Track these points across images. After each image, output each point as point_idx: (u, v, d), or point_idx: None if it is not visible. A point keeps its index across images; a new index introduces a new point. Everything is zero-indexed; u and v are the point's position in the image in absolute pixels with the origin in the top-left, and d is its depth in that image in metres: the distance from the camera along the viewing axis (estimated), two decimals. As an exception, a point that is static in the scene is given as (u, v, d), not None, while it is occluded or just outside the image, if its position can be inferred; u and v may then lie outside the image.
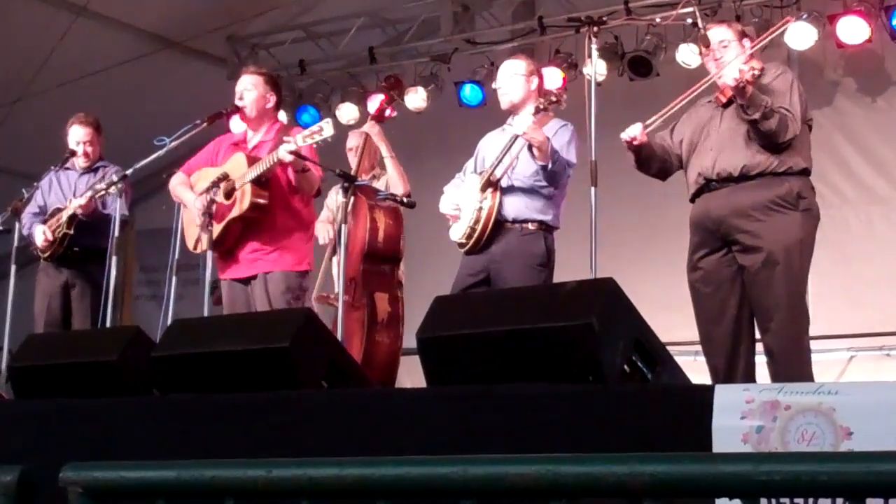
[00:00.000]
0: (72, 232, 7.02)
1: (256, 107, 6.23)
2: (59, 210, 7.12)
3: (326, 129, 5.82)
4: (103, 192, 6.70)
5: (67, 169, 7.36)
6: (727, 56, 5.34)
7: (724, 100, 5.27)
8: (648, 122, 5.45)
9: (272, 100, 6.30)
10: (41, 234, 7.10)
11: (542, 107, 5.84)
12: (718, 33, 5.45)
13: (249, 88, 6.24)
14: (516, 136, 5.78)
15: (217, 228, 6.02)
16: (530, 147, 5.75)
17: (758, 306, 5.15)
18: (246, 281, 6.11)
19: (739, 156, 5.17)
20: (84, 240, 7.06)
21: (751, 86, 5.07)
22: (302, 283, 6.17)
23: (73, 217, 6.99)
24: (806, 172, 5.22)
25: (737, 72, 5.05)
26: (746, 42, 5.42)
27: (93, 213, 6.95)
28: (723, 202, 5.21)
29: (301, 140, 5.82)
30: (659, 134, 5.55)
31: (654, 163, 5.54)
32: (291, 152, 5.77)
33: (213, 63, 10.51)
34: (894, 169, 8.67)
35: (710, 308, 5.26)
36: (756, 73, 5.07)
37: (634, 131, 5.39)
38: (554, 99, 5.89)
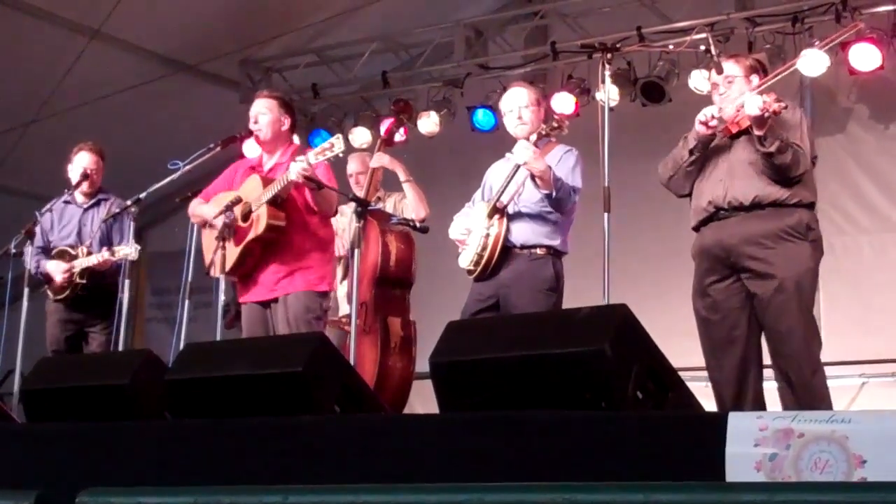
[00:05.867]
0: (84, 281, 7.09)
1: (272, 130, 6.24)
2: (68, 253, 7.15)
3: (338, 144, 5.83)
4: (121, 259, 6.80)
5: (67, 203, 7.37)
6: (731, 92, 5.36)
7: (733, 131, 5.27)
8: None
9: (287, 122, 6.29)
10: (59, 272, 7.13)
11: (544, 133, 5.83)
12: (726, 69, 5.45)
13: (264, 112, 6.24)
14: (518, 166, 5.78)
15: (235, 252, 6.03)
16: (533, 177, 5.75)
17: (771, 332, 5.16)
18: (266, 304, 6.11)
19: (751, 186, 5.19)
20: (94, 279, 7.12)
21: (774, 117, 5.06)
22: (322, 304, 6.16)
23: (86, 269, 7.03)
24: (812, 206, 5.28)
25: (761, 102, 5.02)
26: (755, 78, 5.41)
27: (109, 267, 7.01)
28: (734, 230, 5.22)
29: (313, 157, 5.83)
30: None
31: (698, 165, 5.44)
32: (304, 170, 5.78)
33: (227, 87, 10.56)
34: (908, 196, 8.67)
35: (718, 336, 5.26)
36: (782, 105, 5.04)
37: (713, 111, 5.33)
38: (556, 125, 5.86)
